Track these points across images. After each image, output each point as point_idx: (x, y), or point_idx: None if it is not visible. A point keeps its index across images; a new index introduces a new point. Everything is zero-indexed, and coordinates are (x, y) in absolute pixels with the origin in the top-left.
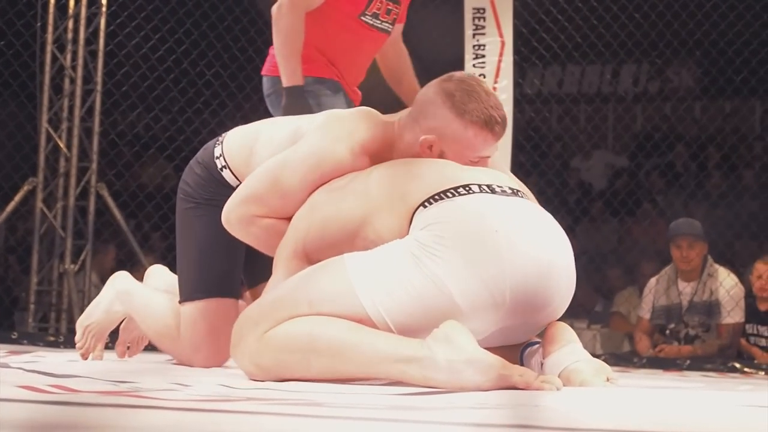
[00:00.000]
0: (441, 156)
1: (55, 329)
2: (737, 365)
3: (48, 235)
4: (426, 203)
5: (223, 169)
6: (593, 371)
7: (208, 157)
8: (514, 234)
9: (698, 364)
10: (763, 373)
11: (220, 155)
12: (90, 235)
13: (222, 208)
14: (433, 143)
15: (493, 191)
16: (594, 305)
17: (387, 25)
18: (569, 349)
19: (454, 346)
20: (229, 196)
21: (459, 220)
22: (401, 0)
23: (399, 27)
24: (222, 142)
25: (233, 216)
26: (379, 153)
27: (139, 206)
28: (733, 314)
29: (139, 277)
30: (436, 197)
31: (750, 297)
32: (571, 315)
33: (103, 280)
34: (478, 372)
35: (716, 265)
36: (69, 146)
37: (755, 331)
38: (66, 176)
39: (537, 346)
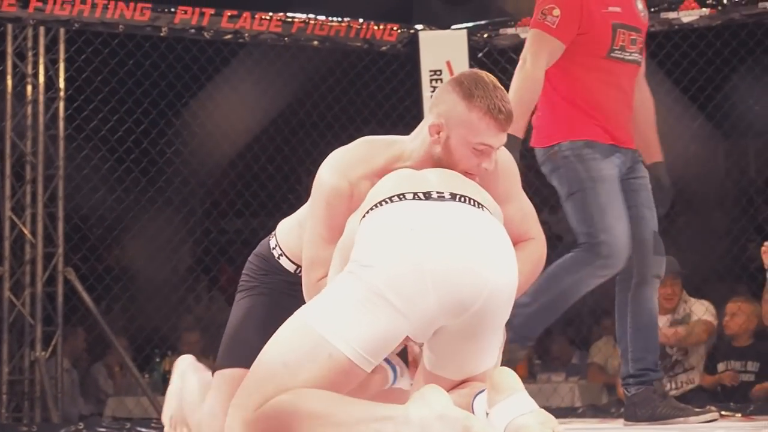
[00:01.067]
0: (447, 143)
1: (29, 418)
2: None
3: (17, 323)
4: (365, 215)
5: (280, 257)
6: (539, 425)
7: (265, 249)
8: (433, 230)
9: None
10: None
11: (276, 245)
12: (59, 320)
13: (277, 291)
14: (441, 127)
15: (428, 197)
16: (570, 358)
17: (636, 55)
18: (515, 399)
19: (427, 403)
20: (287, 281)
21: (377, 226)
22: (641, 27)
23: (643, 60)
24: (275, 233)
25: (306, 292)
26: (386, 169)
27: (107, 288)
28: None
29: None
30: (372, 208)
31: (723, 338)
32: (548, 369)
33: (75, 365)
34: (447, 426)
35: (690, 298)
36: (34, 233)
37: (728, 368)
38: (32, 263)
39: (485, 392)
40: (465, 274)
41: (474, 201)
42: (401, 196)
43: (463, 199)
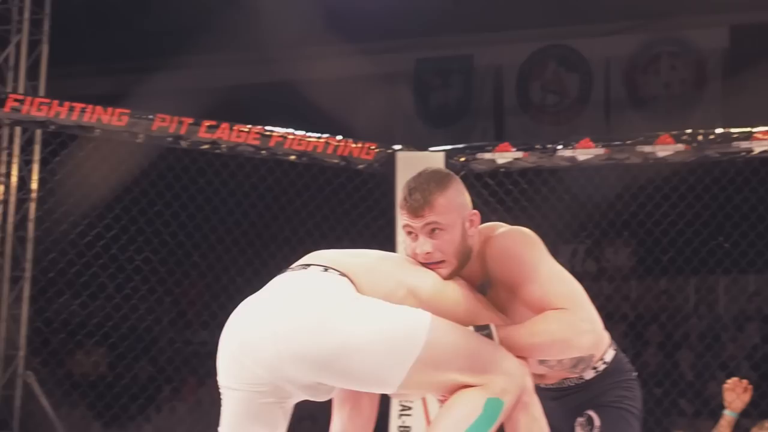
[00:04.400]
0: None
1: None
2: None
3: None
4: None
5: None
6: None
7: None
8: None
9: None
10: None
11: None
12: (16, 425)
13: None
14: None
15: (291, 269)
16: None
17: None
18: None
19: None
20: None
21: None
22: None
23: None
24: None
25: None
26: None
27: (66, 393)
28: None
29: None
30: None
31: None
32: None
33: None
34: None
35: None
36: None
37: None
38: None
39: None
40: (230, 336)
41: (323, 266)
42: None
43: (309, 267)
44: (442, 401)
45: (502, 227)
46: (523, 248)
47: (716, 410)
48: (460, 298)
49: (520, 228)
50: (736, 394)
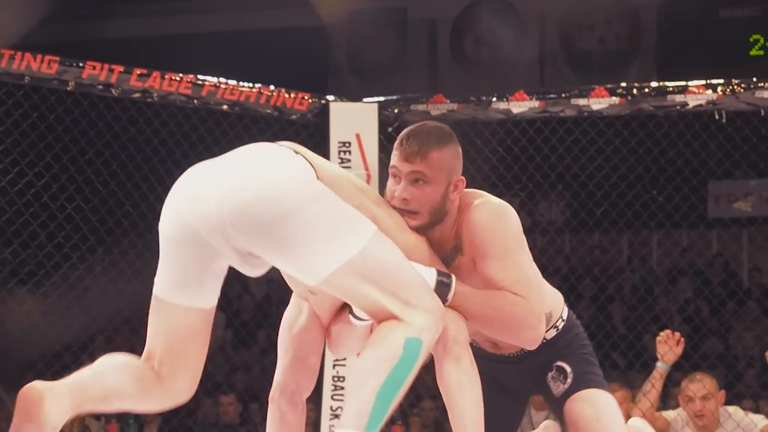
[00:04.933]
0: None
1: None
2: None
3: None
4: None
5: None
6: None
7: None
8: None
9: None
10: None
11: None
12: None
13: None
14: None
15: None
16: None
17: None
18: None
19: None
20: None
21: None
22: None
23: None
24: None
25: None
26: None
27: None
28: None
29: None
30: None
31: None
32: None
33: None
34: None
35: None
36: None
37: None
38: None
39: None
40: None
41: (295, 151)
42: None
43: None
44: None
45: (484, 197)
46: (499, 224)
47: (649, 363)
48: (417, 243)
49: (503, 203)
50: (668, 346)
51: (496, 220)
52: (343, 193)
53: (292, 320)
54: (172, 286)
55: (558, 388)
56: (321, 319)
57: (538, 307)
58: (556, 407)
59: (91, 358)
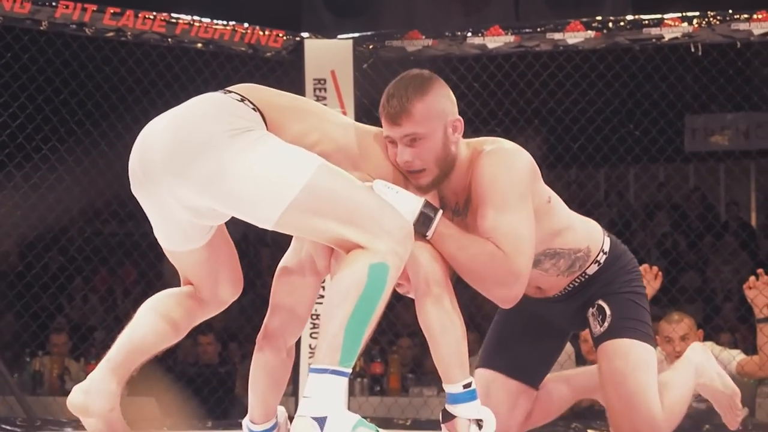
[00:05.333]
0: None
1: None
2: None
3: None
4: None
5: None
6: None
7: None
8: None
9: None
10: None
11: None
12: None
13: None
14: None
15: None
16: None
17: None
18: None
19: None
20: None
21: None
22: None
23: None
24: None
25: None
26: None
27: None
28: None
29: None
30: None
31: None
32: (420, 383)
33: None
34: None
35: None
36: None
37: None
38: None
39: None
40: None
41: (241, 96)
42: None
43: (228, 92)
44: None
45: (497, 143)
46: (503, 174)
47: None
48: (384, 159)
49: (515, 151)
50: (646, 280)
51: (500, 169)
52: (300, 126)
53: (288, 266)
54: (162, 238)
55: (596, 327)
56: (318, 261)
57: (520, 267)
58: (594, 345)
59: (70, 299)
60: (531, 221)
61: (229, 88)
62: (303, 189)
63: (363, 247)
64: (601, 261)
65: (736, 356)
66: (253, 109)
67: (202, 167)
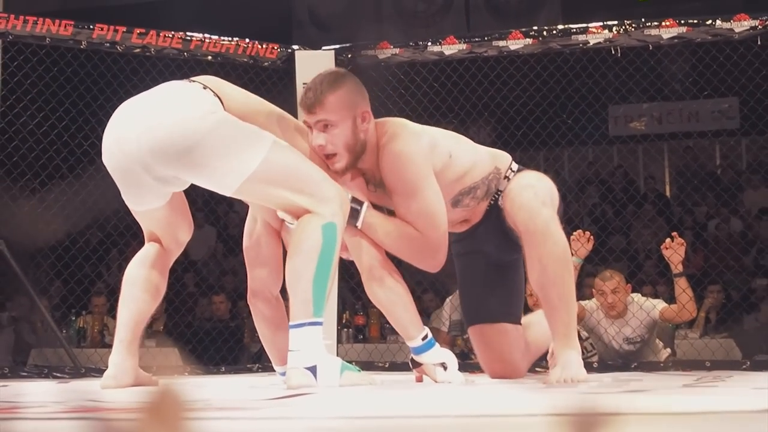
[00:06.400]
0: None
1: None
2: None
3: None
4: None
5: None
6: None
7: None
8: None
9: None
10: None
11: None
12: None
13: None
14: None
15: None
16: None
17: None
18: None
19: None
20: None
21: None
22: None
23: None
24: None
25: None
26: None
27: (32, 257)
28: None
29: None
30: None
31: None
32: (396, 332)
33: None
34: None
35: None
36: None
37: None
38: None
39: None
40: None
41: (203, 85)
42: None
43: (192, 81)
44: None
45: (393, 133)
46: (402, 165)
47: None
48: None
49: (409, 137)
50: (580, 243)
51: (400, 160)
52: (257, 119)
53: (250, 231)
54: (131, 201)
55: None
56: (272, 222)
57: (438, 240)
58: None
59: (107, 268)
60: (437, 194)
61: (192, 78)
62: (261, 162)
63: (311, 211)
64: (510, 177)
65: (658, 305)
66: (214, 94)
67: (175, 144)
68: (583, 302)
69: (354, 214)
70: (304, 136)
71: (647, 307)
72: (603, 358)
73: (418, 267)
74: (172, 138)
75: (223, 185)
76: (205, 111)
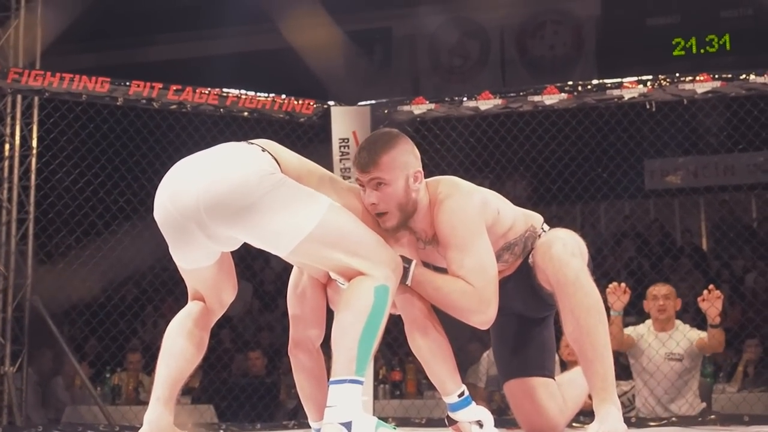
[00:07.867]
0: None
1: None
2: None
3: None
4: None
5: None
6: None
7: None
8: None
9: None
10: None
11: None
12: (26, 340)
13: None
14: None
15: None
16: None
17: None
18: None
19: None
20: None
21: None
22: None
23: None
24: None
25: None
26: None
27: (67, 313)
28: None
29: None
30: None
31: None
32: (434, 387)
33: (42, 377)
34: None
35: None
36: (6, 266)
37: None
38: (4, 292)
39: None
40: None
41: (262, 148)
42: None
43: (251, 143)
44: None
45: (449, 191)
46: (457, 220)
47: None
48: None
49: (464, 196)
50: (616, 296)
51: (455, 216)
52: (310, 182)
53: (296, 282)
54: (180, 258)
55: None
56: (319, 278)
57: (489, 295)
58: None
59: (143, 325)
60: (489, 249)
61: (251, 141)
62: (317, 225)
63: (364, 273)
64: (542, 235)
65: (701, 333)
66: (272, 158)
67: (234, 202)
68: (632, 327)
69: (404, 273)
70: (356, 197)
71: (689, 331)
72: (646, 369)
73: (467, 322)
74: (232, 196)
75: (279, 246)
76: (265, 172)
